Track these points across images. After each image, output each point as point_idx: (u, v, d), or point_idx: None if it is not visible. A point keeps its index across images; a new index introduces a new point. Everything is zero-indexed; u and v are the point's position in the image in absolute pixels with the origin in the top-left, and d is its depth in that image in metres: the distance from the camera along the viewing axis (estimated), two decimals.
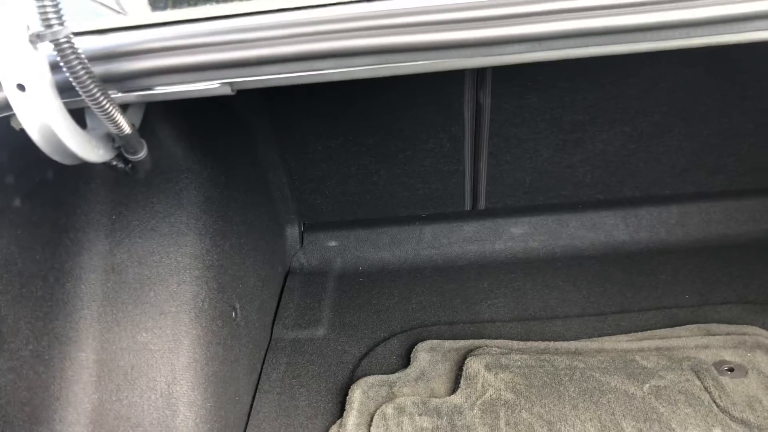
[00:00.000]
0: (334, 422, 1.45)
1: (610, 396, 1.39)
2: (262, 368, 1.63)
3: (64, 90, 0.70)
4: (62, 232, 1.21)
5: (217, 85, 0.80)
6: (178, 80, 0.78)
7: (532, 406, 1.39)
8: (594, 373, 1.47)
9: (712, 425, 1.29)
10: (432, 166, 1.94)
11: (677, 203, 2.02)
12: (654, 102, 1.77)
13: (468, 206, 2.07)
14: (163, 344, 1.24)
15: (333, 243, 2.07)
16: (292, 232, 2.05)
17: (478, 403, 1.41)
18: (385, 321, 1.78)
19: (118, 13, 0.89)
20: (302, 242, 2.07)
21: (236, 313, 1.46)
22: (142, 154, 0.85)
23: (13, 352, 1.06)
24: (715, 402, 1.35)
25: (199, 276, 1.32)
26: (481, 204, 2.07)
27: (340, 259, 2.05)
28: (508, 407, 1.39)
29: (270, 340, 1.73)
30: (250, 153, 1.79)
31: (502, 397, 1.42)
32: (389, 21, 0.81)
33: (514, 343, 1.61)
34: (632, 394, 1.39)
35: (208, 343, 1.29)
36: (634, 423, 1.31)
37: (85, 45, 0.71)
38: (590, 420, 1.33)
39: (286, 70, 0.80)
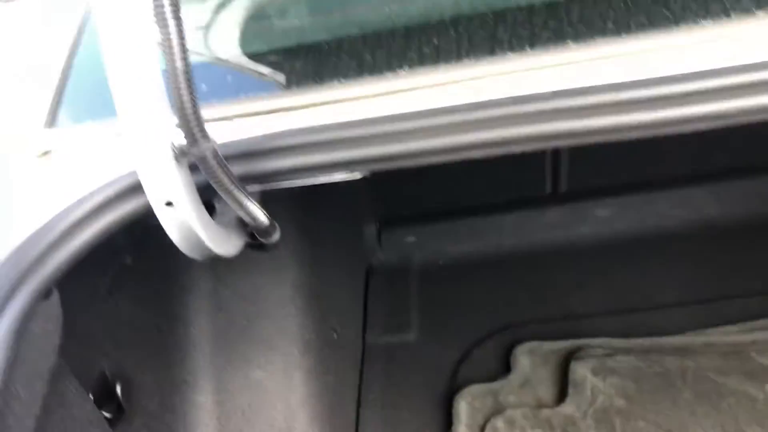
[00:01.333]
0: None
1: (730, 400, 1.35)
2: (361, 380, 1.63)
3: (202, 188, 0.67)
4: (167, 278, 1.21)
5: (346, 175, 0.78)
6: (313, 175, 0.75)
7: (647, 413, 1.36)
8: (708, 374, 1.42)
9: None
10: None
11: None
12: None
13: (549, 189, 2.00)
14: (276, 380, 1.24)
15: (411, 239, 2.03)
16: (370, 230, 2.02)
17: (590, 412, 1.39)
18: (475, 320, 1.75)
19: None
20: (380, 240, 2.04)
21: (337, 334, 1.45)
22: (276, 235, 0.82)
23: (144, 407, 1.07)
24: None
25: (302, 306, 1.31)
26: (563, 186, 1.99)
27: (420, 255, 2.01)
28: (622, 415, 1.36)
29: (363, 349, 1.72)
30: None
31: (614, 404, 1.39)
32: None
33: (617, 342, 1.57)
34: (754, 396, 1.34)
35: (319, 373, 1.29)
36: (761, 430, 1.27)
37: (223, 144, 0.67)
38: (712, 427, 1.30)
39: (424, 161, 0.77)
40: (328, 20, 1.17)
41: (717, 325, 1.57)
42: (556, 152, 1.88)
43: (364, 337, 1.75)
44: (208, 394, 1.21)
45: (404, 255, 2.03)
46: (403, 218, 2.05)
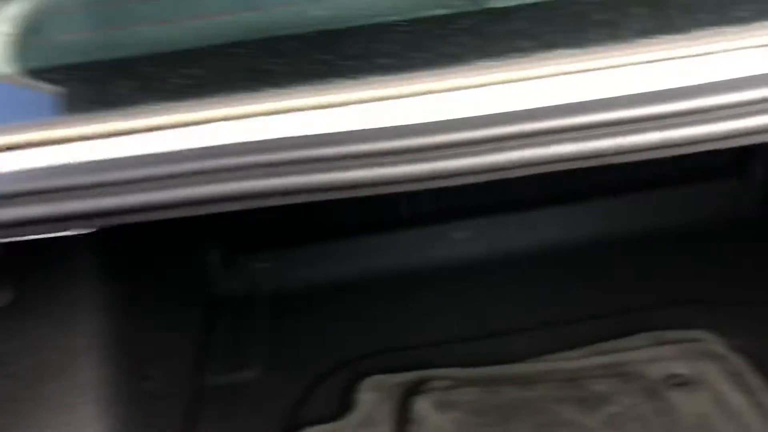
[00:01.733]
0: None
1: (564, 430, 1.33)
2: (192, 428, 1.48)
3: None
4: None
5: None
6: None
7: None
8: (546, 404, 1.40)
9: None
10: None
11: (627, 193, 1.95)
12: None
13: (407, 210, 1.95)
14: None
15: (262, 265, 1.91)
16: (213, 258, 1.88)
17: None
18: (323, 353, 1.66)
19: None
20: (227, 267, 1.90)
21: (155, 381, 1.31)
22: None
23: None
24: (670, 427, 1.30)
25: (103, 356, 1.16)
26: (420, 207, 1.95)
27: (272, 283, 1.90)
28: None
29: (196, 391, 1.58)
30: None
31: None
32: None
33: (463, 372, 1.52)
34: (588, 426, 1.33)
35: (129, 430, 1.14)
36: None
37: None
38: None
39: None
40: (116, 35, 1.04)
41: (561, 350, 1.56)
42: None
43: (199, 379, 1.61)
44: None
45: (254, 283, 1.90)
46: (253, 243, 1.93)
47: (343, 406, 1.50)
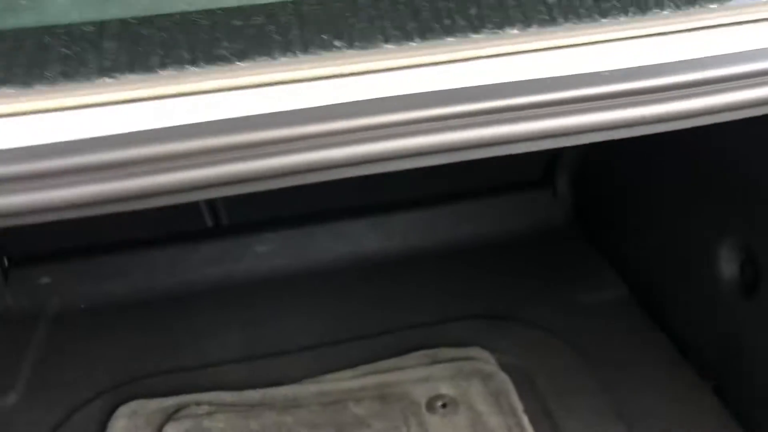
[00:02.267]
0: None
1: None
2: None
3: None
4: None
5: None
6: None
7: None
8: (301, 431, 1.34)
9: None
10: None
11: (428, 206, 1.93)
12: None
13: (210, 222, 1.86)
14: None
15: (46, 279, 1.78)
16: None
17: None
18: (96, 375, 1.56)
19: None
20: (6, 281, 1.76)
21: None
22: None
23: None
24: None
25: None
26: (224, 219, 1.86)
27: (57, 298, 1.77)
28: None
29: None
30: None
31: None
32: None
33: (228, 396, 1.45)
34: None
35: None
36: None
37: None
38: None
39: None
40: None
41: (337, 370, 1.51)
42: None
43: None
44: None
45: (39, 298, 1.77)
46: (38, 255, 1.80)
47: None
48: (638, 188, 1.68)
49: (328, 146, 0.72)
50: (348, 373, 1.50)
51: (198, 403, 1.42)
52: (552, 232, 1.91)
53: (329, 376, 1.49)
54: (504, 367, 1.49)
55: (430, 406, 1.39)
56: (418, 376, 1.47)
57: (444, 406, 1.39)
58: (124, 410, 1.43)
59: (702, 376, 1.46)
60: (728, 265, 1.33)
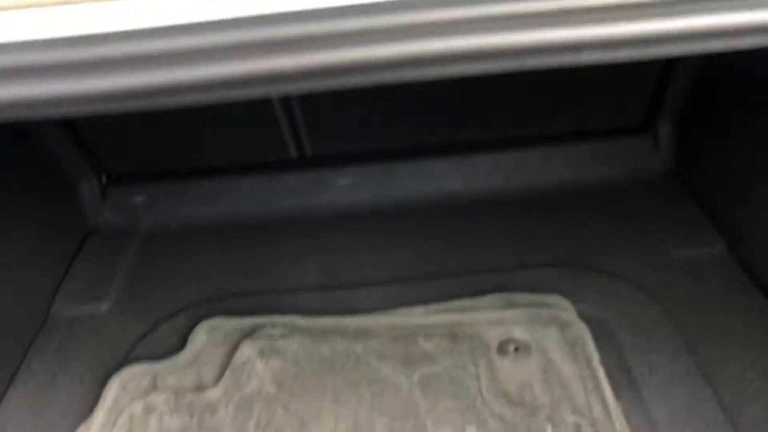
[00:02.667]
0: (85, 419, 1.33)
1: (375, 387, 1.29)
2: (24, 357, 1.48)
3: None
4: None
5: None
6: None
7: (291, 400, 1.28)
8: (370, 359, 1.36)
9: (468, 422, 1.20)
10: (240, 114, 1.73)
11: (516, 148, 1.85)
12: None
13: (294, 154, 1.88)
14: None
15: (139, 198, 1.87)
16: (90, 188, 1.84)
17: (236, 398, 1.30)
18: (182, 291, 1.63)
19: None
20: (104, 198, 1.86)
21: None
22: None
23: None
24: (481, 393, 1.26)
25: None
26: (308, 151, 1.88)
27: (149, 217, 1.86)
28: (265, 403, 1.28)
29: (45, 320, 1.57)
30: None
31: (264, 390, 1.31)
32: None
33: (302, 320, 1.48)
34: (399, 385, 1.29)
35: None
36: (389, 420, 1.22)
37: None
38: (345, 418, 1.24)
39: None
40: None
41: (408, 305, 1.51)
42: (291, 117, 1.75)
43: (45, 308, 1.60)
44: None
45: (132, 216, 1.87)
46: (134, 176, 1.88)
47: (179, 345, 1.48)
48: (746, 139, 1.52)
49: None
50: (420, 309, 1.49)
51: (273, 325, 1.46)
52: (648, 182, 1.79)
53: (401, 311, 1.49)
54: (583, 317, 1.43)
55: (502, 348, 1.36)
56: (491, 318, 1.43)
57: (516, 350, 1.36)
58: (204, 326, 1.49)
59: None
60: None
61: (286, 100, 1.68)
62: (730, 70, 1.59)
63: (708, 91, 1.68)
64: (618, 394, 1.27)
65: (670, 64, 1.69)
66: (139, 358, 1.44)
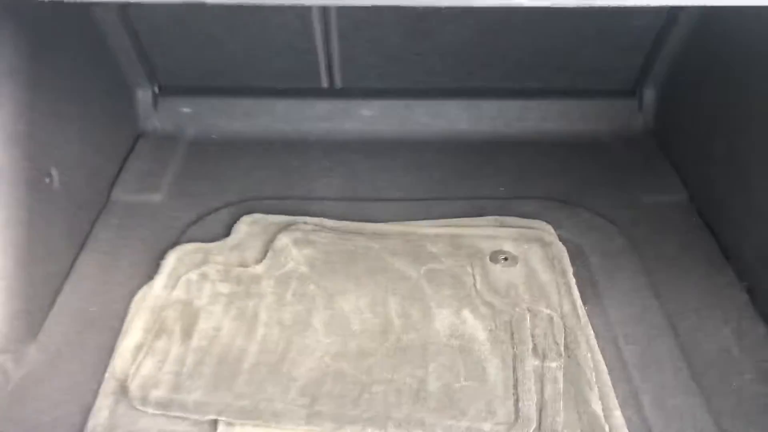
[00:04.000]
0: (147, 283, 1.60)
1: (389, 275, 1.58)
2: (91, 230, 1.74)
3: None
4: None
5: None
6: None
7: (321, 279, 1.57)
8: (385, 255, 1.65)
9: (463, 306, 1.50)
10: (284, 41, 1.97)
11: (519, 98, 2.13)
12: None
13: (325, 84, 2.13)
14: None
15: (187, 109, 2.12)
16: (144, 95, 2.09)
17: (276, 274, 1.59)
18: (224, 191, 1.90)
19: None
20: (156, 106, 2.11)
21: (52, 179, 1.55)
22: None
23: None
24: (475, 286, 1.56)
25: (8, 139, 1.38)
26: (338, 83, 2.13)
27: (194, 126, 2.12)
28: (299, 280, 1.57)
29: (106, 203, 1.83)
30: (80, 15, 1.78)
31: (298, 270, 1.60)
32: None
33: (328, 221, 1.76)
34: (408, 275, 1.58)
35: (10, 207, 1.38)
36: (399, 300, 1.51)
37: None
38: (364, 296, 1.53)
39: None
40: None
41: (426, 218, 1.79)
42: (328, 48, 2.00)
43: (108, 192, 1.86)
44: None
45: (179, 124, 2.12)
46: (183, 89, 2.13)
47: (224, 234, 1.75)
48: (712, 107, 1.81)
49: None
50: (428, 222, 1.78)
51: (305, 223, 1.74)
52: (630, 138, 2.09)
53: (412, 222, 1.78)
54: (562, 240, 1.73)
55: (493, 257, 1.65)
56: (486, 233, 1.73)
57: (505, 259, 1.65)
58: (246, 219, 1.77)
59: (739, 278, 1.65)
60: None
61: (327, 32, 1.92)
62: (708, 47, 1.86)
63: (689, 63, 1.96)
64: (584, 299, 1.57)
65: (660, 36, 1.96)
66: (190, 240, 1.72)
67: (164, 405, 1.28)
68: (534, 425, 1.24)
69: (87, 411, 1.28)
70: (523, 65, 2.07)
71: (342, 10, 1.86)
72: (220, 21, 1.90)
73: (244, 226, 1.75)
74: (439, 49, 2.01)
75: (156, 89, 2.11)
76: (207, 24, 1.92)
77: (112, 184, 1.89)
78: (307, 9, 1.85)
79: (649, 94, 2.10)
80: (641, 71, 2.08)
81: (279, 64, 2.06)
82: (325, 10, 1.86)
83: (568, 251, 1.70)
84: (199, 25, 1.91)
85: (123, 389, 1.32)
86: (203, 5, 1.76)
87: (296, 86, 2.13)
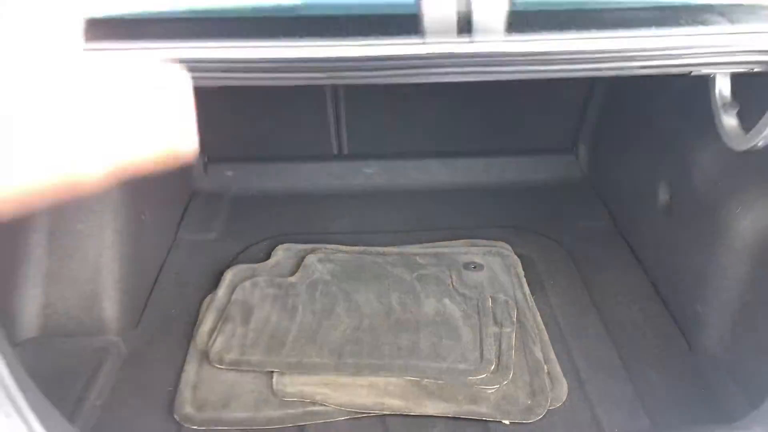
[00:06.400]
0: (212, 292, 2.18)
1: (390, 279, 2.17)
2: (167, 257, 2.34)
3: None
4: None
5: None
6: None
7: (340, 283, 2.15)
8: (387, 266, 2.24)
9: (443, 297, 2.08)
10: (304, 120, 2.65)
11: (484, 156, 2.79)
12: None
13: (335, 150, 2.80)
14: (92, 231, 1.93)
15: (230, 173, 2.77)
16: (198, 163, 2.74)
17: (307, 282, 2.17)
18: (262, 230, 2.51)
19: None
20: (206, 171, 2.75)
21: (145, 217, 2.16)
22: None
23: None
24: (452, 284, 2.14)
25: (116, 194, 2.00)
26: (345, 149, 2.79)
27: (235, 185, 2.76)
28: (324, 284, 2.15)
29: (175, 239, 2.44)
30: None
31: (323, 278, 2.18)
32: None
33: (343, 247, 2.37)
34: (404, 278, 2.17)
35: (122, 232, 1.99)
36: (398, 294, 2.09)
37: None
38: (373, 292, 2.10)
39: None
40: None
41: (415, 243, 2.40)
42: (338, 126, 2.68)
43: (176, 233, 2.47)
44: (42, 234, 1.89)
45: (224, 184, 2.76)
46: (227, 158, 2.78)
47: (265, 258, 2.34)
48: (629, 155, 2.47)
49: None
50: (417, 246, 2.38)
51: (326, 249, 2.34)
52: (570, 183, 2.74)
53: (405, 247, 2.38)
54: (517, 254, 2.33)
55: (466, 266, 2.24)
56: (460, 251, 2.33)
57: (474, 267, 2.24)
58: (281, 247, 2.37)
59: (646, 275, 2.24)
60: (662, 195, 2.11)
61: (337, 113, 2.60)
62: (618, 111, 2.55)
63: (608, 124, 2.64)
64: (533, 292, 2.15)
65: (584, 105, 2.65)
66: (241, 263, 2.31)
67: (235, 363, 1.83)
68: (494, 365, 1.80)
69: (179, 372, 1.83)
70: (486, 131, 2.75)
71: (348, 96, 2.54)
72: (255, 105, 2.57)
73: (280, 252, 2.34)
74: (421, 123, 2.69)
75: (205, 159, 2.76)
76: (244, 107, 2.59)
77: (178, 228, 2.50)
78: (321, 93, 2.54)
79: (583, 149, 2.77)
80: (575, 132, 2.76)
81: (300, 137, 2.73)
82: (335, 95, 2.54)
83: (522, 262, 2.29)
84: (238, 108, 2.58)
85: (204, 355, 1.87)
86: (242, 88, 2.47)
87: (313, 153, 2.79)
